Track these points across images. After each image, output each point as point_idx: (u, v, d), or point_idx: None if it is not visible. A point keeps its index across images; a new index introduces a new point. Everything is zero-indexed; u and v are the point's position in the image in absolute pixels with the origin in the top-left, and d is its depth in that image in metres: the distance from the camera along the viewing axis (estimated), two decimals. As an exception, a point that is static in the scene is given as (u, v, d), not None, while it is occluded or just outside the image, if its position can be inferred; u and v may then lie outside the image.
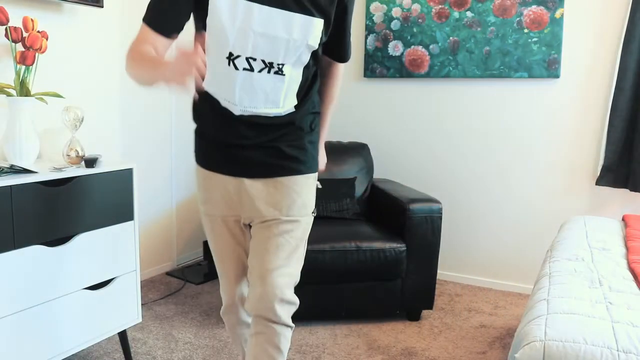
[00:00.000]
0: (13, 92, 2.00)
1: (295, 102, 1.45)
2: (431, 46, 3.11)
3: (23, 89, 1.95)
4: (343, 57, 1.57)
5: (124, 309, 2.06)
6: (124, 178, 1.99)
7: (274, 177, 1.46)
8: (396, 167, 3.36)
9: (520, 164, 3.00)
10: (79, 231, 1.84)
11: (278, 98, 1.42)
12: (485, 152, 3.09)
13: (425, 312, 2.73)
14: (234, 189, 1.47)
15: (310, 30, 1.37)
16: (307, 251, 2.40)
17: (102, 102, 2.69)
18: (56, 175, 1.74)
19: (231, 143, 1.44)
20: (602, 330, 1.21)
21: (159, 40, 1.33)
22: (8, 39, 1.96)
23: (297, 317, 2.58)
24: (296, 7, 1.34)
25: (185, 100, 3.27)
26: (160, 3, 1.33)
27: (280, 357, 1.46)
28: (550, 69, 2.82)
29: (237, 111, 1.41)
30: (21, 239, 1.65)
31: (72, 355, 2.20)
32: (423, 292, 2.57)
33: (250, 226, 1.54)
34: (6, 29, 1.95)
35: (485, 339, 2.44)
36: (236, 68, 1.36)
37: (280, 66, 1.38)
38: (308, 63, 1.43)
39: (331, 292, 2.50)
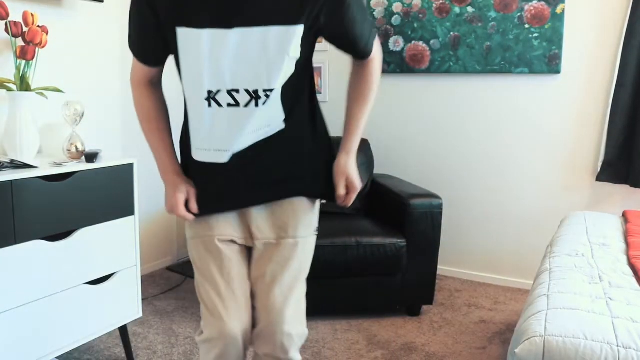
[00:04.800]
0: (13, 87, 2.00)
1: (284, 117, 1.27)
2: (432, 41, 3.10)
3: (23, 84, 1.95)
4: (359, 53, 1.30)
5: (124, 303, 2.06)
6: (124, 173, 1.99)
7: (277, 199, 1.34)
8: (396, 162, 3.36)
9: (521, 160, 3.00)
10: (79, 226, 1.84)
11: (271, 123, 1.27)
12: (485, 147, 3.08)
13: (425, 308, 2.73)
14: (233, 216, 1.36)
15: (288, 42, 1.16)
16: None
17: (103, 96, 2.69)
18: (57, 170, 1.74)
19: (227, 190, 1.32)
20: (602, 325, 1.22)
21: (148, 69, 1.32)
22: (8, 34, 1.96)
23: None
24: (272, 17, 1.13)
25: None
26: (135, 38, 1.27)
27: None
28: (551, 64, 2.82)
29: (226, 158, 1.27)
30: (22, 233, 1.65)
31: (73, 349, 2.20)
32: (423, 288, 2.58)
33: (245, 247, 1.39)
34: (6, 24, 1.95)
35: (485, 335, 2.44)
36: (219, 105, 1.21)
37: (268, 93, 1.20)
38: (295, 73, 1.23)
39: (331, 287, 2.50)
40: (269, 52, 1.16)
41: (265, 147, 1.28)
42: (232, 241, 1.34)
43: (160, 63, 1.32)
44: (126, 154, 2.89)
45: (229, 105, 1.20)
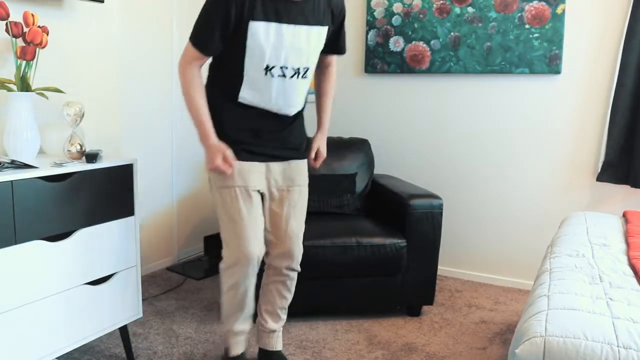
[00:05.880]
0: (14, 87, 2.00)
1: (305, 98, 1.92)
2: (432, 42, 3.10)
3: (24, 84, 1.95)
4: (344, 50, 2.01)
5: (124, 304, 2.06)
6: (124, 173, 1.99)
7: (294, 159, 1.96)
8: (397, 162, 3.36)
9: (521, 160, 3.00)
10: (79, 226, 1.84)
11: (301, 98, 1.88)
12: (486, 147, 3.08)
13: (425, 308, 2.73)
14: (261, 168, 1.91)
15: (322, 37, 1.81)
16: (307, 246, 2.40)
17: (103, 97, 2.69)
18: (57, 170, 1.74)
19: (260, 142, 1.88)
20: (602, 326, 1.22)
21: (202, 59, 1.75)
22: (8, 34, 1.96)
23: (298, 313, 2.59)
24: (312, 21, 1.76)
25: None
26: (206, 28, 1.70)
27: (290, 298, 2.08)
28: (552, 65, 2.82)
29: (275, 110, 1.84)
30: (22, 234, 1.65)
31: (73, 350, 2.20)
32: (423, 288, 2.58)
33: (262, 194, 1.95)
34: (7, 24, 1.95)
35: (485, 335, 2.44)
36: (272, 76, 1.76)
37: (306, 70, 1.82)
38: (315, 64, 1.86)
39: (331, 287, 2.50)
40: (311, 43, 1.78)
41: (294, 118, 1.92)
42: (257, 190, 1.88)
43: (215, 54, 1.76)
44: (126, 154, 2.89)
45: (279, 76, 1.77)
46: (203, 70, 1.84)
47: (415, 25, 3.14)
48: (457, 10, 3.01)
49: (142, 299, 2.76)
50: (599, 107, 2.78)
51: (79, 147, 1.90)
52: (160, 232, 3.22)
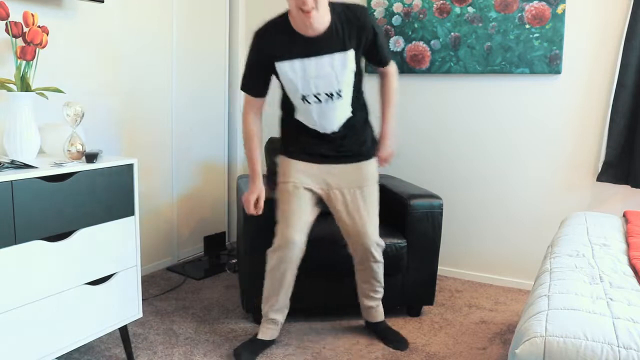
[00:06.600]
0: (14, 87, 2.00)
1: (351, 110, 2.11)
2: (432, 42, 3.10)
3: (23, 84, 1.95)
4: (384, 62, 2.18)
5: (124, 304, 2.06)
6: (124, 173, 1.99)
7: (353, 162, 2.18)
8: (397, 162, 3.36)
9: (521, 160, 3.00)
10: (79, 226, 1.84)
11: (344, 114, 2.10)
12: (486, 148, 3.08)
13: (425, 308, 2.73)
14: (316, 170, 2.17)
15: (347, 60, 1.99)
16: (307, 247, 2.40)
17: (103, 96, 2.69)
18: (57, 170, 1.74)
19: (317, 147, 2.16)
20: (602, 326, 1.21)
21: (257, 101, 2.13)
22: (8, 34, 1.96)
23: (298, 313, 2.59)
24: (333, 49, 1.97)
25: (184, 97, 3.26)
26: (248, 74, 2.07)
27: (380, 282, 2.31)
28: (552, 65, 2.82)
29: (321, 130, 2.12)
30: (22, 234, 1.65)
31: (73, 350, 2.20)
32: (423, 288, 2.58)
33: (315, 193, 2.19)
34: (7, 24, 1.95)
35: (485, 335, 2.44)
36: (309, 103, 2.05)
37: (339, 91, 2.03)
38: (353, 81, 2.06)
39: (332, 287, 2.50)
40: (335, 68, 1.99)
41: (344, 128, 2.13)
42: (309, 188, 2.16)
43: (264, 95, 2.12)
44: (126, 154, 2.89)
45: (315, 102, 2.05)
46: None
47: (416, 25, 3.14)
48: (457, 10, 3.01)
49: (142, 299, 2.76)
50: (599, 107, 2.78)
51: (79, 147, 1.90)
52: (160, 232, 3.22)
